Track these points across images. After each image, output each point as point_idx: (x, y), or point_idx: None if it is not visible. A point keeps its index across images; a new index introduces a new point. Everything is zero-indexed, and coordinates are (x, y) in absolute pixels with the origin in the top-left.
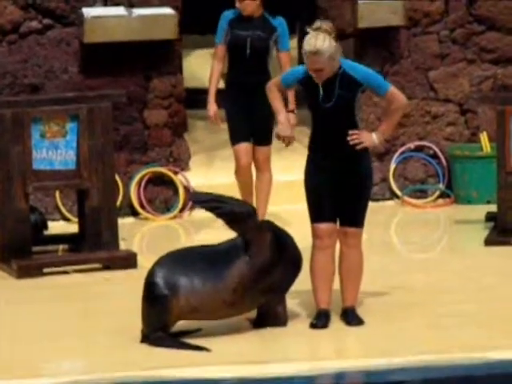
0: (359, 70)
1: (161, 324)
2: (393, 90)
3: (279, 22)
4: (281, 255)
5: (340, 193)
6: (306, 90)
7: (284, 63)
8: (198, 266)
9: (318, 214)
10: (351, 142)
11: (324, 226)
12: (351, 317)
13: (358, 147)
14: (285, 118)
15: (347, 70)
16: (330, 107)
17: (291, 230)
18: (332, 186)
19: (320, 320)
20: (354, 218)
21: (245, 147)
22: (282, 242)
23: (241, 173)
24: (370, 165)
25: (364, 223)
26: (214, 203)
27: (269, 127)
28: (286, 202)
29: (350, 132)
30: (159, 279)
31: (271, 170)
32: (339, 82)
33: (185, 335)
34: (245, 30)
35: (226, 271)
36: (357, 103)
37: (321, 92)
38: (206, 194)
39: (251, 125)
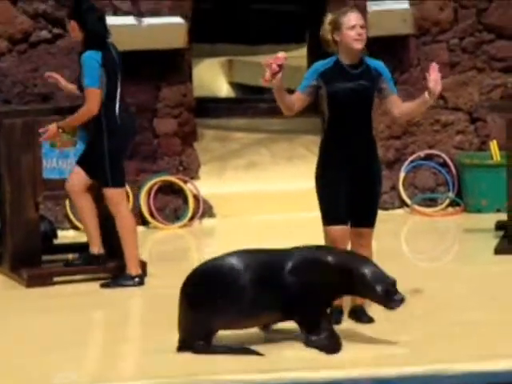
0: (379, 63)
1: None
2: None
3: (83, 58)
4: None
5: (354, 192)
6: (334, 78)
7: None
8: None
9: (332, 216)
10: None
11: (339, 229)
12: (361, 314)
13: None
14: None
15: (369, 62)
16: (357, 94)
17: (301, 238)
18: (346, 184)
19: (334, 316)
20: (368, 217)
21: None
22: None
23: None
24: (380, 164)
25: (375, 224)
26: None
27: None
28: (297, 211)
29: (430, 70)
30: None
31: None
32: (365, 71)
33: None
34: None
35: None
36: (375, 98)
37: (351, 75)
38: None
39: None
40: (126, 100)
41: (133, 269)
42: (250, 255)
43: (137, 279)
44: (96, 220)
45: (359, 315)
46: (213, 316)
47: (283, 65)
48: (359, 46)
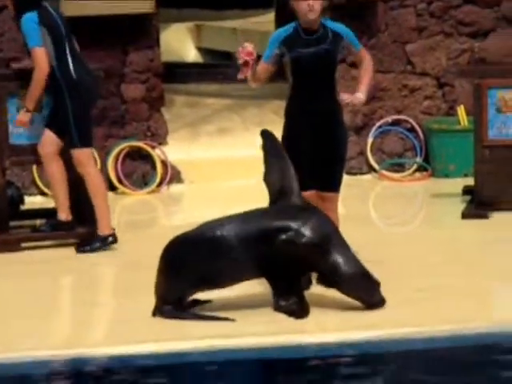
0: (340, 26)
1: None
2: (363, 48)
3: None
4: None
5: (317, 157)
6: (295, 44)
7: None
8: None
9: (303, 183)
10: (344, 101)
11: (307, 194)
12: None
13: (350, 106)
14: None
15: (330, 25)
16: (319, 58)
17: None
18: (309, 150)
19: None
20: (332, 182)
21: None
22: None
23: None
24: (345, 128)
25: (340, 188)
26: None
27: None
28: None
29: (341, 93)
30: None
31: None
32: (326, 35)
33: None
34: None
35: None
36: (337, 61)
37: (312, 40)
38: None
39: None
40: (84, 61)
41: (105, 228)
42: (233, 225)
43: (110, 238)
44: (66, 186)
45: None
46: (185, 281)
47: (254, 54)
48: (311, 16)
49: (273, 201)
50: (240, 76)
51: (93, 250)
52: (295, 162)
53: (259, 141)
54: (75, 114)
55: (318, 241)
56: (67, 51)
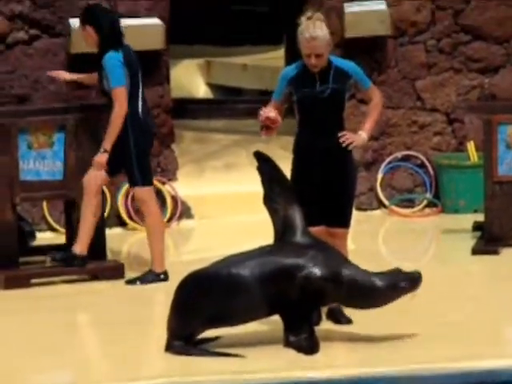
0: (348, 64)
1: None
2: (373, 85)
3: (105, 59)
4: None
5: (326, 192)
6: (301, 84)
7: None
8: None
9: (308, 219)
10: (344, 143)
11: (313, 231)
12: (339, 315)
13: (351, 147)
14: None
15: (337, 64)
16: (325, 98)
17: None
18: (317, 186)
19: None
20: (340, 218)
21: None
22: None
23: None
24: (354, 164)
25: (350, 224)
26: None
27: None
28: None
29: (340, 134)
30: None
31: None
32: (332, 74)
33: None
34: None
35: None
36: (346, 99)
37: (317, 80)
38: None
39: None
40: (146, 100)
41: (158, 266)
42: (248, 263)
43: (162, 276)
44: (95, 223)
45: (337, 316)
46: (197, 318)
47: (276, 123)
48: (315, 70)
49: (278, 230)
50: (262, 136)
51: (143, 284)
52: (304, 197)
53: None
54: (138, 152)
55: (332, 273)
56: (140, 91)
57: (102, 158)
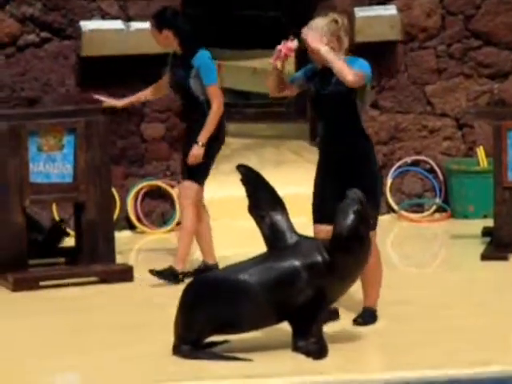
0: (357, 62)
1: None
2: (356, 69)
3: (197, 57)
4: None
5: (343, 194)
6: (309, 80)
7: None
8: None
9: (316, 215)
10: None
11: (323, 228)
12: (368, 318)
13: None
14: None
15: (349, 63)
16: (327, 95)
17: None
18: (334, 186)
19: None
20: None
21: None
22: None
23: None
24: (374, 164)
25: (376, 225)
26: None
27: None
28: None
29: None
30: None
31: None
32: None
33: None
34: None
35: None
36: (355, 97)
37: (321, 78)
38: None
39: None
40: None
41: (180, 263)
42: (254, 269)
43: (181, 276)
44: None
45: (366, 319)
46: (204, 323)
47: (291, 53)
48: (318, 65)
49: (269, 237)
50: (271, 60)
51: (161, 279)
52: (317, 196)
53: (274, 180)
54: (209, 152)
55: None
56: None
57: (199, 150)
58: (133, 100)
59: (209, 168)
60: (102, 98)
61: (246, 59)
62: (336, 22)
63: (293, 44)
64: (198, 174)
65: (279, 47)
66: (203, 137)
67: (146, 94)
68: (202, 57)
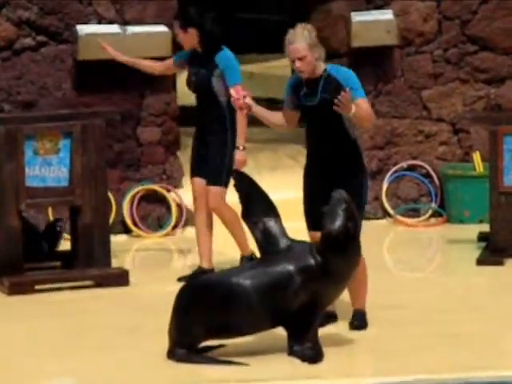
0: (342, 72)
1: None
2: (364, 100)
3: (221, 57)
4: None
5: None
6: (296, 92)
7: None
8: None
9: (310, 222)
10: (336, 102)
11: (318, 234)
12: (359, 321)
13: (336, 108)
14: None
15: (331, 73)
16: (314, 107)
17: None
18: (324, 193)
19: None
20: None
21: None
22: None
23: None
24: (361, 173)
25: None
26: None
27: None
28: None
29: (343, 93)
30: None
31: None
32: (323, 83)
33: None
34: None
35: None
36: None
37: (304, 90)
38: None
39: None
40: None
41: (246, 249)
42: (248, 273)
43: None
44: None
45: (358, 322)
46: (199, 327)
47: (246, 96)
48: (304, 76)
49: (261, 243)
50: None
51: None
52: (309, 203)
53: (270, 185)
54: (232, 154)
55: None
56: None
57: (242, 155)
58: (130, 61)
59: (227, 168)
60: (107, 47)
61: (242, 64)
62: (313, 29)
63: (240, 91)
64: (221, 177)
65: (232, 99)
66: (242, 139)
67: (144, 64)
68: (227, 57)
